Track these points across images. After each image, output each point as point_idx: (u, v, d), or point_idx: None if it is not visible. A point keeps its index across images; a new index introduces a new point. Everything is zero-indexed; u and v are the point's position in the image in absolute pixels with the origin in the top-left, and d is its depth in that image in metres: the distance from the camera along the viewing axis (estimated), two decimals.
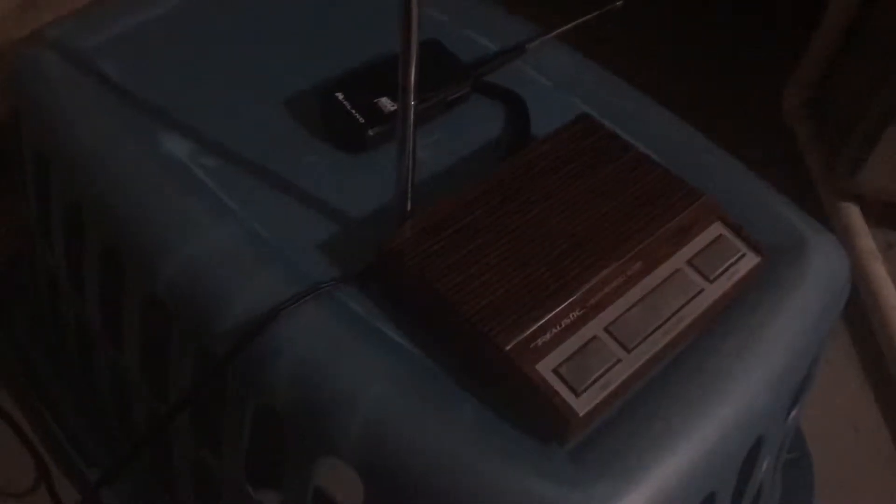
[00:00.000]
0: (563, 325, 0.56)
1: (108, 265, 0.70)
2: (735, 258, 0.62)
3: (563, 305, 0.56)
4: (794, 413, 0.73)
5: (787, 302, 0.63)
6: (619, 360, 0.55)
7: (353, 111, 0.70)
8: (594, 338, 0.56)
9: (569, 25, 0.81)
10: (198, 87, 0.74)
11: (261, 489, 0.67)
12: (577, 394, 0.54)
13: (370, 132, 0.69)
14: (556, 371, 0.54)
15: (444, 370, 0.58)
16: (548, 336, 0.55)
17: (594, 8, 0.83)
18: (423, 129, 0.71)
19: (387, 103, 0.70)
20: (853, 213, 1.13)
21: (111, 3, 0.81)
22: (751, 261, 0.62)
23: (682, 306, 0.59)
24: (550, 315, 0.56)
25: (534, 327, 0.55)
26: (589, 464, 0.54)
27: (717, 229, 0.63)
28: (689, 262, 0.61)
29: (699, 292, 0.60)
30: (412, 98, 0.56)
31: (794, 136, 1.25)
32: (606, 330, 0.56)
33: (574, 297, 0.57)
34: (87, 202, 0.70)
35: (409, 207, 0.61)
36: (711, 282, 0.60)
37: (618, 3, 0.83)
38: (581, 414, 0.53)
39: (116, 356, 0.74)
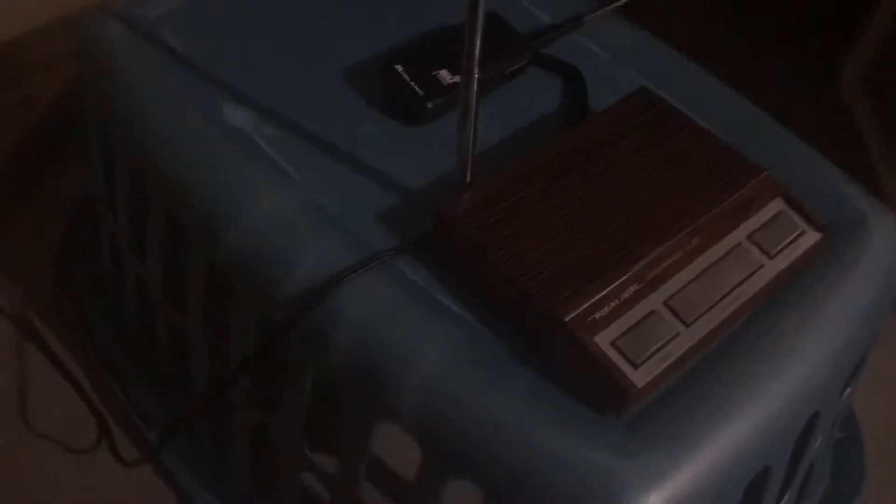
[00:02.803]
0: (622, 299, 0.56)
1: (171, 231, 0.72)
2: (795, 234, 0.61)
3: (622, 279, 0.56)
4: (848, 391, 0.72)
5: (847, 280, 0.63)
6: (677, 334, 0.56)
7: (413, 83, 0.70)
8: (653, 311, 0.56)
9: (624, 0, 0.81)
10: (258, 58, 0.75)
11: (318, 452, 0.69)
12: (635, 366, 0.54)
13: (429, 104, 0.70)
14: (614, 344, 0.55)
15: (501, 340, 0.59)
16: (607, 309, 0.55)
17: None
18: (481, 101, 0.72)
19: (446, 76, 0.71)
20: None
21: None
22: (811, 237, 0.62)
23: (742, 281, 0.59)
24: (610, 288, 0.56)
25: (593, 300, 0.55)
26: (644, 435, 0.55)
27: (777, 205, 0.62)
28: (749, 238, 0.61)
29: (759, 268, 0.59)
30: (475, 69, 0.57)
31: (852, 114, 1.22)
32: (665, 304, 0.57)
33: (633, 271, 0.57)
34: (150, 169, 0.71)
35: (468, 178, 0.62)
36: (772, 258, 0.60)
37: None
38: (639, 386, 0.53)
39: (179, 321, 0.76)
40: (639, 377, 0.54)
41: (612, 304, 0.56)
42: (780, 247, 0.60)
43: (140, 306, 0.84)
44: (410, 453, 0.60)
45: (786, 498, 0.69)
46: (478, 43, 0.55)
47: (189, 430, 0.80)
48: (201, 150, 0.69)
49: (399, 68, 0.71)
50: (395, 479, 0.71)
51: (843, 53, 1.21)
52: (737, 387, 0.57)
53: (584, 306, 0.55)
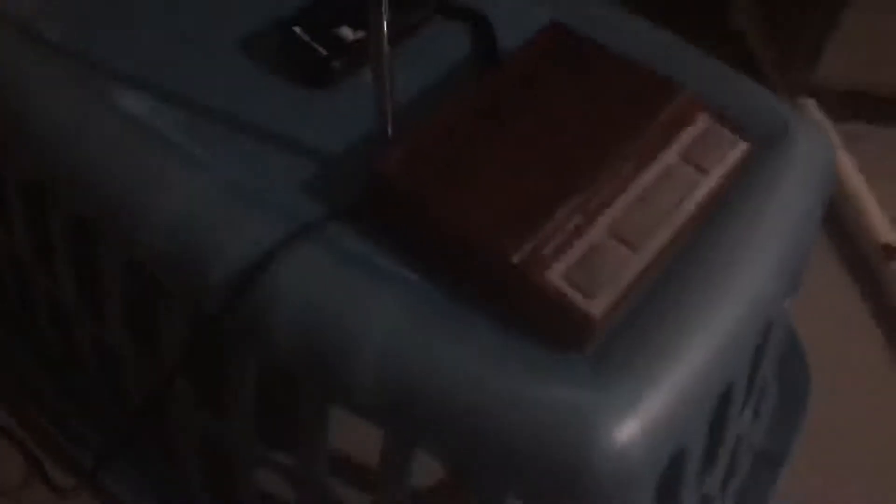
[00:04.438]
0: (567, 231, 0.54)
1: (78, 238, 0.67)
2: (724, 148, 0.61)
3: (563, 212, 0.55)
4: (788, 301, 0.73)
5: (781, 187, 0.63)
6: (627, 260, 0.55)
7: (314, 44, 0.67)
8: (599, 240, 0.55)
9: None
10: (145, 39, 0.70)
11: (275, 451, 0.65)
12: (590, 297, 0.53)
13: (334, 64, 0.67)
14: (566, 277, 0.53)
15: (451, 297, 0.56)
16: (553, 244, 0.54)
17: None
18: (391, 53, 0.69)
19: (348, 32, 0.68)
20: (812, 108, 1.13)
21: None
22: (739, 149, 0.61)
23: (681, 200, 0.58)
24: (552, 222, 0.54)
25: (538, 236, 0.54)
26: (609, 367, 0.53)
27: (703, 121, 0.62)
28: (681, 156, 0.60)
29: (695, 184, 0.59)
30: (384, 17, 0.54)
31: (742, 37, 1.24)
32: (611, 231, 0.55)
33: (573, 203, 0.55)
34: (46, 176, 0.66)
35: (390, 133, 0.59)
36: (705, 173, 0.60)
37: None
38: (598, 316, 0.52)
39: (99, 332, 0.71)
40: (595, 306, 0.52)
41: (558, 239, 0.54)
42: (711, 161, 0.60)
43: (53, 321, 0.79)
44: (370, 438, 0.57)
45: (745, 412, 0.70)
46: None
47: (129, 447, 0.75)
48: (99, 146, 0.64)
49: (298, 30, 0.68)
50: (358, 465, 0.69)
51: None
52: (693, 307, 0.56)
53: (531, 244, 0.53)
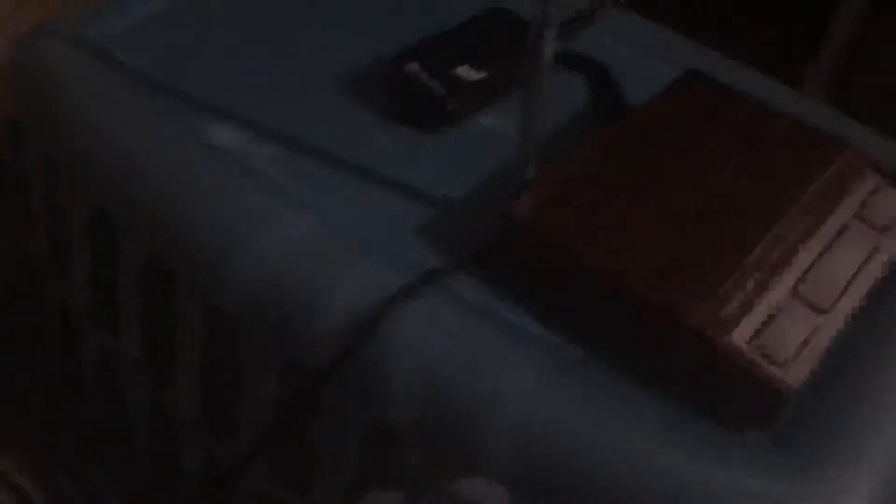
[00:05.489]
0: (747, 290, 0.47)
1: (151, 280, 0.59)
2: None
3: (740, 268, 0.47)
4: None
5: None
6: (816, 324, 0.47)
7: (430, 83, 0.61)
8: (784, 302, 0.47)
9: None
10: (238, 71, 0.63)
11: None
12: (782, 366, 0.44)
13: (451, 104, 0.60)
14: (752, 342, 0.45)
15: (597, 357, 0.48)
16: (733, 303, 0.46)
17: None
18: (504, 102, 0.63)
19: (468, 72, 0.62)
20: None
21: None
22: None
23: (864, 261, 0.51)
24: (730, 280, 0.47)
25: (716, 294, 0.46)
26: (801, 450, 0.45)
27: (872, 178, 0.55)
28: (856, 215, 0.53)
29: (877, 243, 0.52)
30: (546, 48, 0.48)
31: None
32: (794, 292, 0.48)
33: (751, 258, 0.48)
34: (118, 207, 0.59)
35: (532, 175, 0.52)
36: (885, 232, 0.53)
37: None
38: (794, 387, 0.44)
39: (162, 390, 0.62)
40: (791, 377, 0.44)
41: (739, 298, 0.46)
42: (889, 220, 0.53)
43: (103, 379, 0.69)
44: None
45: None
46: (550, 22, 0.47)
47: None
48: (185, 177, 0.57)
49: (412, 68, 0.61)
50: None
51: (806, 60, 1.19)
52: (891, 376, 0.48)
53: (709, 303, 0.45)
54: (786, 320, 0.46)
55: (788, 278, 0.48)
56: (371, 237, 0.53)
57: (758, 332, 0.45)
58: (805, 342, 0.46)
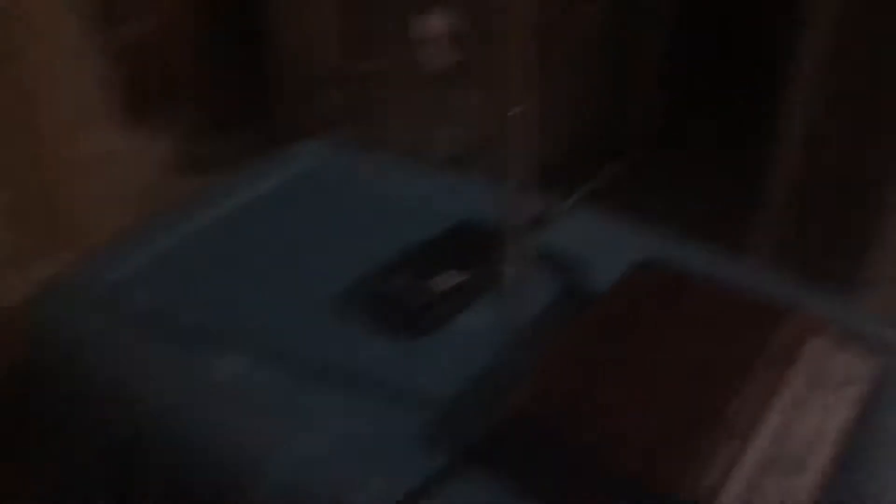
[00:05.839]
0: (726, 458, 0.51)
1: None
2: (853, 364, 0.60)
3: (717, 438, 0.52)
4: None
5: None
6: (793, 484, 0.51)
7: (412, 293, 0.67)
8: (760, 465, 0.52)
9: (585, 189, 0.83)
10: (235, 304, 0.69)
11: None
12: None
13: (435, 311, 0.66)
14: None
15: None
16: (717, 472, 0.50)
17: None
18: (480, 304, 0.69)
19: (446, 280, 0.68)
20: None
21: (119, 241, 0.78)
22: (867, 367, 0.60)
23: (824, 421, 0.56)
24: (710, 450, 0.51)
25: (702, 465, 0.50)
26: None
27: (821, 341, 0.61)
28: (809, 379, 0.58)
29: (833, 406, 0.57)
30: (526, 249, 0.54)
31: None
32: (768, 456, 0.52)
33: (723, 428, 0.53)
34: (145, 436, 0.63)
35: (516, 369, 0.57)
36: (835, 393, 0.58)
37: (623, 159, 0.86)
38: None
39: None
40: None
41: (721, 466, 0.51)
42: (839, 381, 0.59)
43: None
44: None
45: None
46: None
47: None
48: (200, 411, 0.61)
49: (394, 280, 0.68)
50: None
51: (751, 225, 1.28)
52: None
53: (696, 473, 0.50)
54: (765, 485, 0.51)
55: (760, 443, 0.53)
56: (377, 445, 0.58)
57: (743, 496, 0.50)
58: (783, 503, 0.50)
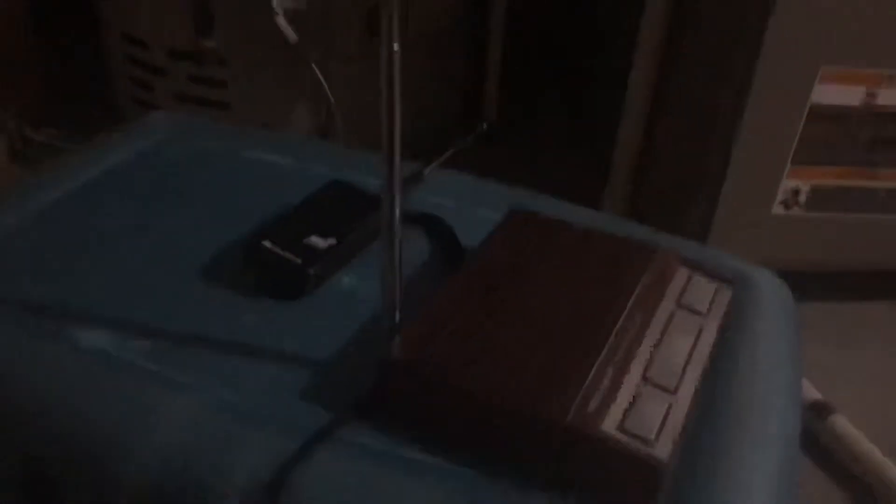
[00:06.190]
0: (606, 385, 0.53)
1: (34, 494, 0.57)
2: (713, 292, 0.63)
3: (596, 366, 0.53)
4: None
5: (767, 325, 0.65)
6: (670, 404, 0.53)
7: (287, 255, 0.65)
8: (638, 389, 0.54)
9: (450, 151, 0.84)
10: (103, 272, 0.66)
11: None
12: (651, 444, 0.50)
13: (310, 271, 0.65)
14: (620, 428, 0.51)
15: (491, 478, 0.52)
16: (597, 398, 0.52)
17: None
18: (353, 265, 0.68)
19: (319, 241, 0.67)
20: None
21: None
22: (727, 291, 0.64)
23: (695, 343, 0.58)
24: (591, 379, 0.53)
25: (581, 392, 0.52)
26: None
27: (685, 272, 0.64)
28: (678, 304, 0.61)
29: (701, 327, 0.60)
30: (398, 196, 0.54)
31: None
32: (645, 379, 0.54)
33: (602, 357, 0.54)
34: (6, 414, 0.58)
35: (398, 319, 0.57)
36: (704, 316, 0.61)
37: (483, 127, 0.88)
38: (665, 460, 0.49)
39: None
40: (660, 452, 0.50)
41: (600, 393, 0.52)
42: (706, 305, 0.62)
43: None
44: None
45: None
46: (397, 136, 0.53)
47: None
48: (64, 389, 0.58)
49: (268, 244, 0.66)
50: None
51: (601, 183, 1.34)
52: (740, 443, 0.55)
53: (577, 401, 0.51)
54: (643, 405, 0.52)
55: (636, 369, 0.55)
56: (254, 408, 0.56)
57: (623, 420, 0.51)
58: (663, 420, 0.52)
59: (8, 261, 0.66)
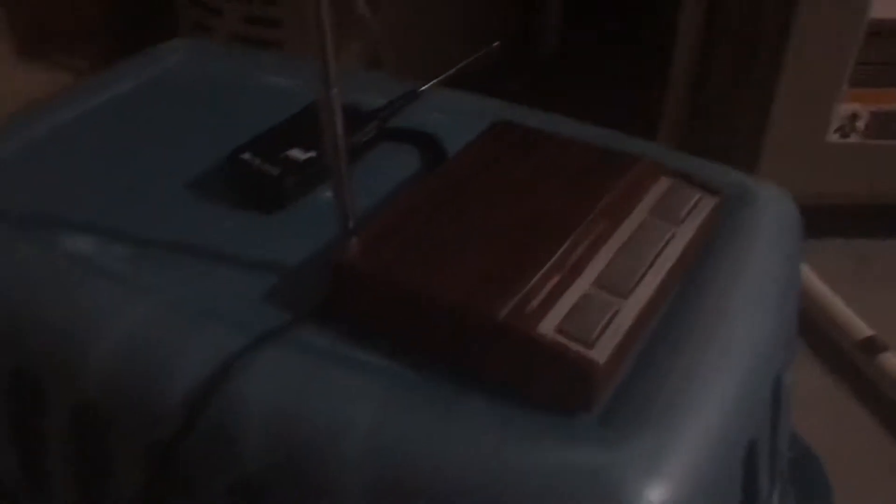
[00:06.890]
0: (551, 287, 0.51)
1: (20, 393, 0.60)
2: (694, 201, 0.60)
3: (544, 269, 0.52)
4: (789, 377, 0.69)
5: (757, 236, 0.61)
6: (618, 307, 0.51)
7: (265, 166, 0.66)
8: (586, 293, 0.52)
9: (454, 69, 0.82)
10: (89, 188, 0.68)
11: None
12: (589, 345, 0.48)
13: (286, 182, 0.65)
14: (559, 329, 0.49)
15: (435, 376, 0.51)
16: (539, 299, 0.50)
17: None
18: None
19: (298, 153, 0.67)
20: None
21: None
22: (710, 201, 0.60)
23: (661, 250, 0.56)
24: (535, 279, 0.51)
25: (522, 292, 0.50)
26: (621, 423, 0.48)
27: (666, 182, 0.61)
28: (652, 212, 0.58)
29: (672, 236, 0.57)
30: (336, 100, 0.53)
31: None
32: (597, 283, 0.52)
33: (552, 261, 0.52)
34: None
35: (351, 224, 0.57)
36: (680, 224, 0.58)
37: (494, 46, 0.85)
38: (601, 363, 0.48)
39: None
40: (596, 354, 0.48)
41: (543, 294, 0.50)
42: (684, 213, 0.59)
43: None
44: None
45: (777, 490, 0.63)
46: (331, 62, 0.52)
47: None
48: (41, 288, 0.60)
49: (247, 156, 0.67)
50: None
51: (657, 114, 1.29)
52: (697, 354, 0.52)
53: (516, 299, 0.50)
54: (588, 306, 0.50)
55: (590, 274, 0.53)
56: (210, 308, 0.57)
57: (563, 321, 0.49)
58: (607, 324, 0.50)
59: (10, 179, 0.69)
